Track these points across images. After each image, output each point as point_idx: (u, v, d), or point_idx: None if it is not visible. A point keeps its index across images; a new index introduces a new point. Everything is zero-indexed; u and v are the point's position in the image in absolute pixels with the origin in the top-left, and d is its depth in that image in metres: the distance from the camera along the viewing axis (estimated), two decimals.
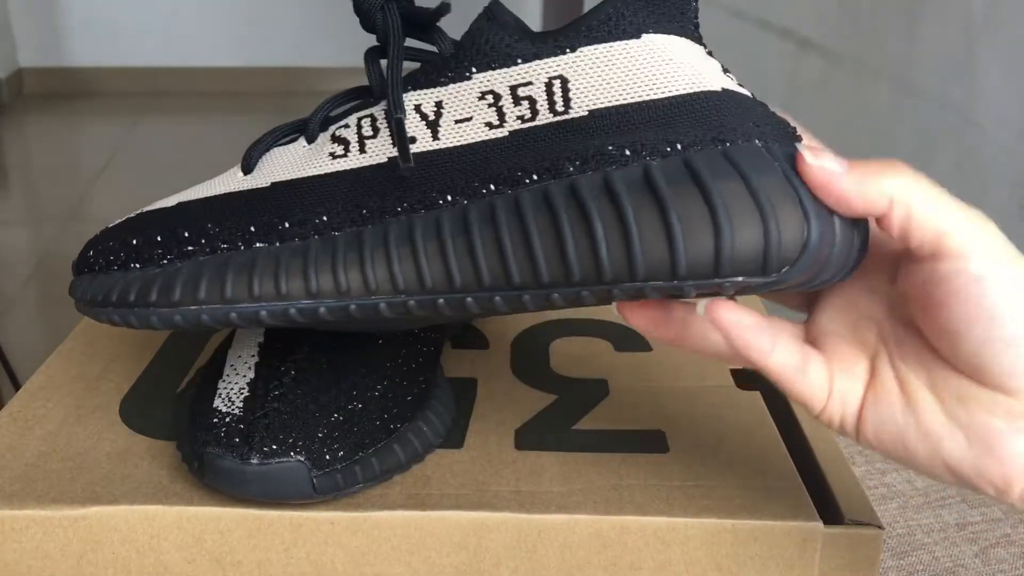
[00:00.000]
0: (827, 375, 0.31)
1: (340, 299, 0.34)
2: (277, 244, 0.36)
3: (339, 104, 0.38)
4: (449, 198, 0.34)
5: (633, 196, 0.30)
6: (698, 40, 0.33)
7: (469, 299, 0.33)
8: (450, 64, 0.34)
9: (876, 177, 0.28)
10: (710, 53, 0.34)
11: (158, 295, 0.36)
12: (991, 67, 1.10)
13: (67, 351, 0.50)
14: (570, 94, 0.32)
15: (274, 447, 0.37)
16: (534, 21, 3.67)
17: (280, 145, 0.38)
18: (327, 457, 0.38)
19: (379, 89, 0.36)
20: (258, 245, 0.36)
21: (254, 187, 0.37)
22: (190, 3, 3.53)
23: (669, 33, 0.32)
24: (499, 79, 0.33)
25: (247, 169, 0.38)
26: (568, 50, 0.32)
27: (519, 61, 0.33)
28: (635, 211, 0.30)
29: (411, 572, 0.39)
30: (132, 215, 0.40)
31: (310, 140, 0.37)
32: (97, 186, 2.63)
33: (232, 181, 0.38)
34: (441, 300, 0.34)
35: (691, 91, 0.31)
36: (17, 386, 1.18)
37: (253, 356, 0.42)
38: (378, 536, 0.38)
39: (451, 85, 0.34)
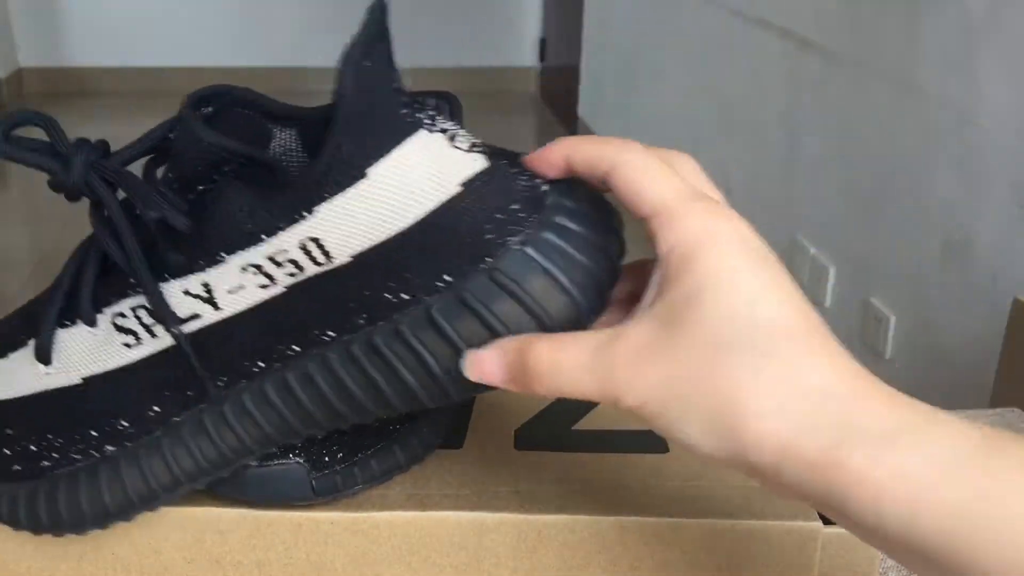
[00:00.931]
0: None
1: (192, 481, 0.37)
2: (128, 445, 0.36)
3: (83, 276, 0.36)
4: (262, 364, 0.34)
5: (426, 339, 0.32)
6: (417, 122, 0.32)
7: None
8: (198, 252, 0.33)
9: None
10: (433, 112, 0.33)
11: (47, 522, 0.37)
12: (991, 67, 1.10)
13: None
14: (327, 248, 0.32)
15: (273, 449, 0.37)
16: (534, 21, 3.67)
17: (62, 327, 0.37)
18: (326, 459, 0.38)
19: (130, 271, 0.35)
20: (109, 449, 0.36)
21: (66, 385, 0.36)
22: (190, 3, 3.53)
23: (391, 147, 0.31)
24: (253, 255, 0.33)
25: (45, 360, 0.36)
26: (306, 214, 0.31)
27: (264, 237, 0.32)
28: (431, 352, 0.32)
29: (411, 572, 0.39)
30: None
31: (90, 323, 0.36)
32: None
33: (36, 376, 0.37)
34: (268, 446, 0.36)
35: (435, 206, 0.31)
36: None
37: None
38: (378, 536, 0.39)
39: (209, 269, 0.33)
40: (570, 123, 3.14)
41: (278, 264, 0.32)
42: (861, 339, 1.39)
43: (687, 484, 0.40)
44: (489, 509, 0.38)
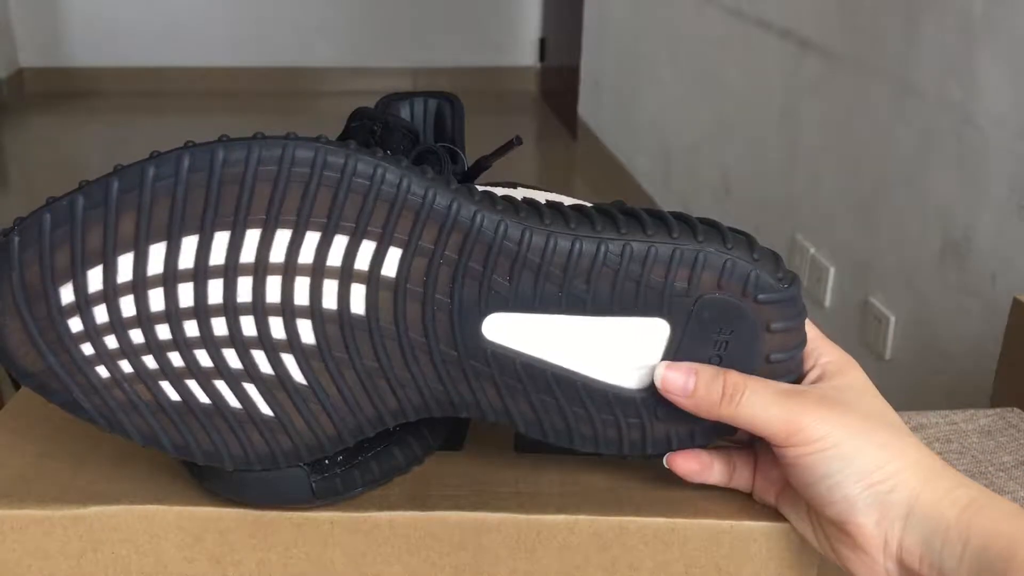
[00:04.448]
0: (749, 480, 0.40)
1: None
2: None
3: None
4: None
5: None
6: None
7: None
8: None
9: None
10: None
11: None
12: (991, 67, 1.10)
13: None
14: None
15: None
16: (534, 21, 3.67)
17: None
18: (326, 461, 0.38)
19: None
20: None
21: None
22: (190, 3, 3.53)
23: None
24: None
25: None
26: None
27: None
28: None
29: (411, 572, 0.39)
30: None
31: None
32: None
33: None
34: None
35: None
36: (17, 386, 1.18)
37: None
38: (378, 536, 0.39)
39: None
40: (570, 123, 3.14)
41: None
42: (861, 339, 1.39)
43: (687, 485, 0.40)
44: (489, 509, 0.38)
